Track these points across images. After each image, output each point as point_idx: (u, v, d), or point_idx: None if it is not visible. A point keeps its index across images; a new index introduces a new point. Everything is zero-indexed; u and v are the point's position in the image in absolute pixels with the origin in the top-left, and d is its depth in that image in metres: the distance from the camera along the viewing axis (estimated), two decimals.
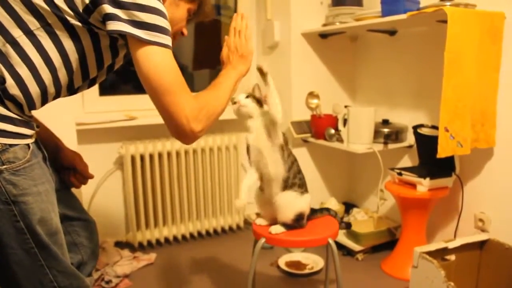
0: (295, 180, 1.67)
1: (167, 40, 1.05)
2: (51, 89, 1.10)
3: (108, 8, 1.00)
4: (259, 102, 1.65)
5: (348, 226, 2.02)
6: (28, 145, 1.05)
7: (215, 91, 1.25)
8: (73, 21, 1.04)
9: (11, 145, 1.00)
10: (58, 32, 1.04)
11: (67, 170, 1.42)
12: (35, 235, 1.03)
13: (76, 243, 1.35)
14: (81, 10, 1.03)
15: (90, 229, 1.42)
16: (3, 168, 0.98)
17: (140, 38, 1.02)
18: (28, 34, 1.01)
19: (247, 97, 1.65)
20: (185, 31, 1.34)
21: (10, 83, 1.00)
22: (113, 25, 1.00)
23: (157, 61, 1.04)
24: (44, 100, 1.11)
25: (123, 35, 1.04)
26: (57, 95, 1.15)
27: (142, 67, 1.04)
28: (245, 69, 1.42)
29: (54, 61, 1.06)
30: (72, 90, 1.19)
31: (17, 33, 1.01)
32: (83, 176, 1.44)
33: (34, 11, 1.01)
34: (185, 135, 1.12)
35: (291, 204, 1.68)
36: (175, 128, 1.10)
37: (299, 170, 1.70)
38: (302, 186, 1.70)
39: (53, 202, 1.11)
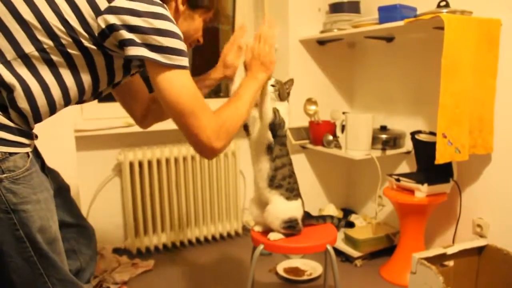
0: (282, 182, 1.67)
1: (185, 61, 1.09)
2: (59, 104, 1.10)
3: (125, 34, 1.01)
4: (280, 95, 1.70)
5: (351, 224, 2.01)
6: (27, 153, 1.05)
7: (235, 104, 1.28)
8: (88, 44, 1.04)
9: (11, 154, 1.00)
10: (72, 52, 1.04)
11: None
12: (34, 243, 1.03)
13: (74, 250, 1.35)
14: (96, 34, 1.03)
15: (88, 236, 1.41)
16: (3, 177, 0.98)
17: (161, 63, 1.04)
18: (41, 52, 1.01)
19: (273, 85, 1.69)
20: (201, 39, 1.39)
21: (19, 94, 1.00)
22: (133, 51, 1.02)
23: (178, 85, 1.08)
24: (51, 114, 1.11)
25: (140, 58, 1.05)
26: (64, 107, 1.15)
27: (164, 92, 1.07)
28: (265, 78, 1.46)
29: (66, 81, 1.06)
30: (80, 102, 1.20)
31: (29, 48, 1.00)
32: None
33: (49, 29, 1.01)
34: (208, 153, 1.19)
35: (277, 212, 1.67)
36: (198, 147, 1.17)
37: (290, 174, 1.69)
38: (291, 191, 1.69)
39: (52, 209, 1.11)
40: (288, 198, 1.67)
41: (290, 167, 1.70)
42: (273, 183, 1.67)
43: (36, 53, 1.00)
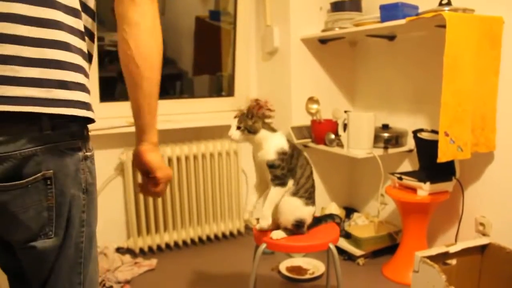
0: (304, 194, 1.72)
1: None
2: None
3: None
4: (251, 131, 1.64)
5: (347, 235, 2.03)
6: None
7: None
8: None
9: (88, 131, 0.98)
10: None
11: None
12: (89, 227, 0.98)
13: None
14: None
15: None
16: (89, 155, 0.96)
17: None
18: None
19: (238, 127, 1.65)
20: None
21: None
22: None
23: None
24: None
25: None
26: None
27: None
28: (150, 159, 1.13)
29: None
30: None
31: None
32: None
33: None
34: None
35: (294, 208, 1.71)
36: None
37: (311, 185, 1.74)
38: (309, 198, 1.73)
39: None
40: (306, 204, 1.72)
41: (312, 176, 1.76)
42: (297, 193, 1.71)
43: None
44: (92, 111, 0.97)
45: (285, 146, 1.67)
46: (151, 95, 1.06)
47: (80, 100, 0.91)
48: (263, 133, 1.66)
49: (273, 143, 1.66)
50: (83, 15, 0.95)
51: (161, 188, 1.12)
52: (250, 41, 3.12)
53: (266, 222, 1.72)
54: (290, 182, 1.69)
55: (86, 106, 0.93)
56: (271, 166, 1.65)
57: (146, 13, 0.98)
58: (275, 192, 1.68)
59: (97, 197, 1.03)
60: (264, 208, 1.72)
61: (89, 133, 1.00)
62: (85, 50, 0.96)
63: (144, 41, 0.99)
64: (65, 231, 0.94)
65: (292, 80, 2.82)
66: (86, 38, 0.97)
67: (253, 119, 1.64)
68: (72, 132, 0.92)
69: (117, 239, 2.74)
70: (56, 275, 0.96)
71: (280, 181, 1.66)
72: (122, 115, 2.64)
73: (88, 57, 1.00)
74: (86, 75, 0.96)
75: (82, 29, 0.94)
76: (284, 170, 1.65)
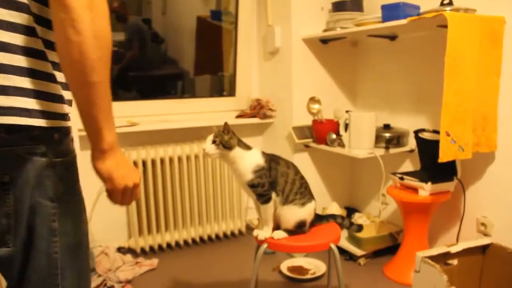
0: (295, 196, 1.70)
1: None
2: None
3: None
4: (226, 146, 1.63)
5: (360, 229, 2.00)
6: (71, 135, 0.96)
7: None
8: None
9: (66, 135, 0.92)
10: None
11: None
12: (65, 236, 0.93)
13: None
14: None
15: None
16: (58, 161, 0.90)
17: None
18: None
19: (214, 141, 1.63)
20: None
21: None
22: None
23: None
24: None
25: None
26: None
27: None
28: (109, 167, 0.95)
29: None
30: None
31: None
32: None
33: None
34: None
35: (291, 215, 1.71)
36: None
37: (300, 184, 1.72)
38: (304, 196, 1.72)
39: (85, 209, 1.02)
40: (302, 204, 1.72)
41: (297, 177, 1.73)
42: (287, 201, 1.71)
43: None
44: (45, 118, 0.87)
45: (261, 162, 1.66)
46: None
47: (20, 106, 0.84)
48: (237, 151, 1.64)
49: (248, 162, 1.65)
50: (32, 3, 0.86)
51: (115, 200, 0.97)
52: (251, 41, 3.12)
53: (265, 235, 1.72)
54: (274, 195, 1.68)
55: (29, 113, 0.85)
56: (251, 186, 1.65)
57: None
58: (263, 209, 1.69)
59: (80, 206, 0.97)
60: (261, 224, 1.75)
61: (68, 137, 0.94)
62: (38, 47, 0.88)
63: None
64: (28, 241, 0.89)
65: (293, 80, 2.81)
66: (41, 29, 0.88)
67: (229, 135, 1.64)
68: (33, 136, 0.86)
69: (118, 239, 2.74)
70: (27, 286, 0.92)
71: (264, 199, 1.66)
72: (123, 115, 2.65)
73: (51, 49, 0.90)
74: (41, 76, 0.88)
75: (28, 22, 0.85)
76: (265, 187, 1.65)
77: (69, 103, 0.96)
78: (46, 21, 0.88)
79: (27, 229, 0.88)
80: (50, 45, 0.90)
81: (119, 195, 0.95)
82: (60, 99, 0.92)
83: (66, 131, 0.94)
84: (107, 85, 0.88)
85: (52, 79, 0.91)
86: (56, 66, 0.91)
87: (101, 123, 0.89)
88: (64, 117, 0.93)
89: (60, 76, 0.92)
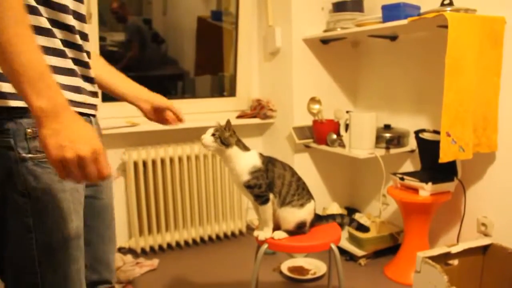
0: (293, 198, 1.70)
1: None
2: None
3: None
4: (224, 143, 1.62)
5: (365, 229, 1.98)
6: None
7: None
8: None
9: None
10: None
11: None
12: (43, 235, 0.92)
13: None
14: None
15: None
16: (28, 157, 0.88)
17: None
18: None
19: (213, 134, 1.62)
20: None
21: None
22: None
23: None
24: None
25: None
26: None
27: None
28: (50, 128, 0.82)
29: None
30: None
31: None
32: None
33: None
34: None
35: (290, 216, 1.71)
36: None
37: (297, 186, 1.72)
38: (303, 197, 1.72)
39: (79, 202, 1.00)
40: (301, 205, 1.71)
41: (294, 179, 1.72)
42: (284, 203, 1.70)
43: None
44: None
45: (257, 163, 1.65)
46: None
47: None
48: (234, 150, 1.64)
49: (245, 163, 1.64)
50: None
51: (59, 175, 0.83)
52: (252, 41, 3.12)
53: (265, 236, 1.72)
54: (272, 196, 1.68)
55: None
56: (248, 186, 1.64)
57: None
58: (262, 210, 1.69)
59: (63, 205, 0.94)
60: (261, 226, 1.75)
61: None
62: None
63: None
64: (1, 232, 0.90)
65: (294, 80, 2.82)
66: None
67: (229, 132, 1.63)
68: (3, 130, 0.86)
69: (118, 239, 2.74)
70: (6, 281, 0.93)
71: (261, 200, 1.66)
72: (124, 115, 2.65)
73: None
74: None
75: None
76: (261, 188, 1.64)
77: None
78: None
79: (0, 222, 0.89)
80: None
81: (58, 168, 0.81)
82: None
83: None
84: (18, 44, 0.76)
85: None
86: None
87: (24, 88, 0.78)
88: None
89: None
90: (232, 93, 3.22)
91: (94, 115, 1.11)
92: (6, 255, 0.92)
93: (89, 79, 1.06)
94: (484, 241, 1.95)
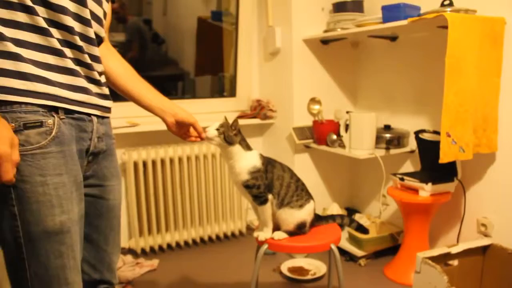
0: (292, 199, 1.70)
1: None
2: None
3: None
4: (227, 140, 1.61)
5: (364, 230, 1.98)
6: (51, 131, 0.97)
7: None
8: None
9: (26, 127, 0.93)
10: None
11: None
12: (26, 225, 0.96)
13: None
14: None
15: None
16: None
17: None
18: None
19: (218, 129, 1.61)
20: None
21: None
22: None
23: None
24: None
25: None
26: None
27: None
28: None
29: None
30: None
31: None
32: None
33: None
34: None
35: (289, 218, 1.71)
36: None
37: (296, 187, 1.72)
38: (302, 198, 1.72)
39: (65, 197, 1.01)
40: (300, 206, 1.71)
41: (293, 180, 1.72)
42: (283, 204, 1.70)
43: None
44: None
45: (258, 164, 1.65)
46: None
47: None
48: (237, 148, 1.63)
49: (245, 162, 1.64)
50: None
51: None
52: (252, 42, 3.12)
53: (265, 236, 1.72)
54: (271, 196, 1.68)
55: None
56: (246, 186, 1.64)
57: None
58: (261, 210, 1.69)
59: (44, 198, 0.97)
60: (260, 226, 1.75)
61: (34, 129, 0.95)
62: None
63: None
64: None
65: (294, 80, 2.82)
66: None
67: (235, 131, 1.63)
68: None
69: None
70: (5, 263, 1.00)
71: (260, 200, 1.66)
72: (123, 115, 2.65)
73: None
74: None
75: None
76: (260, 188, 1.64)
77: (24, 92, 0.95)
78: None
79: None
80: None
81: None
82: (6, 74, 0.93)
83: (30, 123, 0.95)
84: None
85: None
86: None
87: None
88: (21, 105, 0.93)
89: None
90: (232, 93, 3.22)
91: (101, 116, 1.15)
92: (1, 241, 0.99)
93: (94, 81, 1.09)
94: (484, 242, 1.95)
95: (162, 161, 2.68)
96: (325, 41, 2.85)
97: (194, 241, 2.89)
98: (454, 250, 1.87)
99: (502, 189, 2.15)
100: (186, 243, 2.87)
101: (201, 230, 2.87)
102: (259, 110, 2.99)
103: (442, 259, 1.83)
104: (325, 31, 2.72)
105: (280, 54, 2.92)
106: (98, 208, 1.20)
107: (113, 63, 1.31)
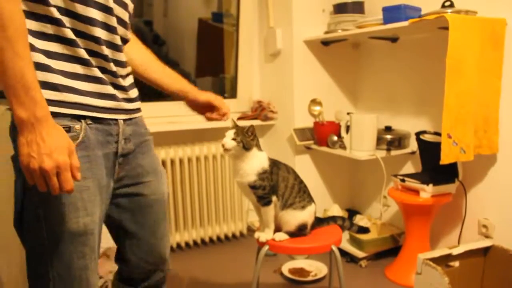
0: (295, 200, 1.70)
1: None
2: None
3: None
4: (246, 147, 1.63)
5: (365, 230, 1.98)
6: (78, 136, 1.00)
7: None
8: None
9: (68, 130, 0.96)
10: None
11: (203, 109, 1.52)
12: (49, 226, 0.99)
13: None
14: None
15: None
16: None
17: None
18: None
19: (234, 138, 1.63)
20: None
21: None
22: None
23: None
24: None
25: None
26: None
27: None
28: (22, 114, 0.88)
29: None
30: None
31: None
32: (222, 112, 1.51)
33: None
34: None
35: (292, 219, 1.71)
36: None
37: (299, 189, 1.72)
38: (304, 199, 1.72)
39: (90, 200, 1.03)
40: (302, 208, 1.71)
41: (296, 181, 1.73)
42: (286, 205, 1.70)
43: None
44: None
45: (266, 165, 1.66)
46: None
47: None
48: (253, 151, 1.65)
49: (256, 164, 1.65)
50: None
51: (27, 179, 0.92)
52: (253, 43, 3.12)
53: (266, 237, 1.72)
54: (274, 198, 1.68)
55: None
56: (253, 187, 1.64)
57: None
58: (264, 211, 1.69)
59: (63, 200, 0.99)
60: (262, 227, 1.75)
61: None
62: None
63: None
64: (21, 218, 1.00)
65: (294, 82, 2.82)
66: None
67: (251, 136, 1.65)
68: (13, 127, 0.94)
69: None
70: (27, 262, 1.03)
71: (264, 201, 1.66)
72: None
73: None
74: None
75: None
76: (265, 189, 1.64)
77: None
78: None
79: (21, 206, 1.00)
80: None
81: (26, 174, 0.89)
82: None
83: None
84: (14, 61, 0.84)
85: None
86: None
87: (10, 99, 0.85)
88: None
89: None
90: (233, 94, 3.22)
91: (129, 119, 1.17)
92: (28, 241, 1.03)
93: (120, 87, 1.11)
94: (485, 243, 1.94)
95: (163, 163, 2.68)
96: (325, 42, 2.85)
97: (195, 242, 2.89)
98: (455, 251, 1.86)
99: (503, 190, 2.15)
100: (187, 244, 2.87)
101: (201, 231, 2.87)
102: (260, 111, 2.99)
103: (443, 261, 1.83)
104: (326, 32, 2.72)
105: (281, 55, 2.92)
106: (139, 205, 1.25)
107: (134, 54, 1.36)
